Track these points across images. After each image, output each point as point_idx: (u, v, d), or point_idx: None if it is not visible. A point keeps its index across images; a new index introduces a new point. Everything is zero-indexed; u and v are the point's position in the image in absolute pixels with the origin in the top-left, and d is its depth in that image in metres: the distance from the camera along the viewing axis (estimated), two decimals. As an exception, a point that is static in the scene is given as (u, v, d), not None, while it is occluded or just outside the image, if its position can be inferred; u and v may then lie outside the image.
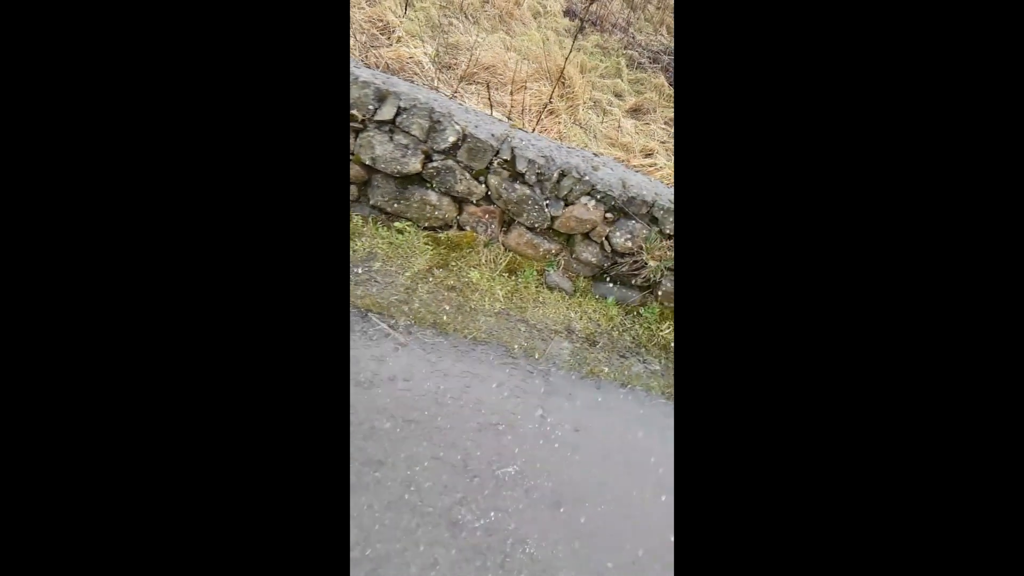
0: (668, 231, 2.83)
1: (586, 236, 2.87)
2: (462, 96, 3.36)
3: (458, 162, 2.58)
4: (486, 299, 2.72)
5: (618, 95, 4.76)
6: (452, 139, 2.50)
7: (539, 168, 2.60)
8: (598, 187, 2.67)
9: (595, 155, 2.91)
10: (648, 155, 4.02)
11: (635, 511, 2.08)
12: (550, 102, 4.50)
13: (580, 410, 2.40)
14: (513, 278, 2.87)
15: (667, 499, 2.18)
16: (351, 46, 3.37)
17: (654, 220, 2.82)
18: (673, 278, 2.97)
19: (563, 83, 4.61)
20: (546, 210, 2.72)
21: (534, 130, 3.27)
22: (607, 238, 2.86)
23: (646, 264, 2.92)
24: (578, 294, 3.01)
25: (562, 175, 2.64)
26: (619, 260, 2.93)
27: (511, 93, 4.49)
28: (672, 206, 2.78)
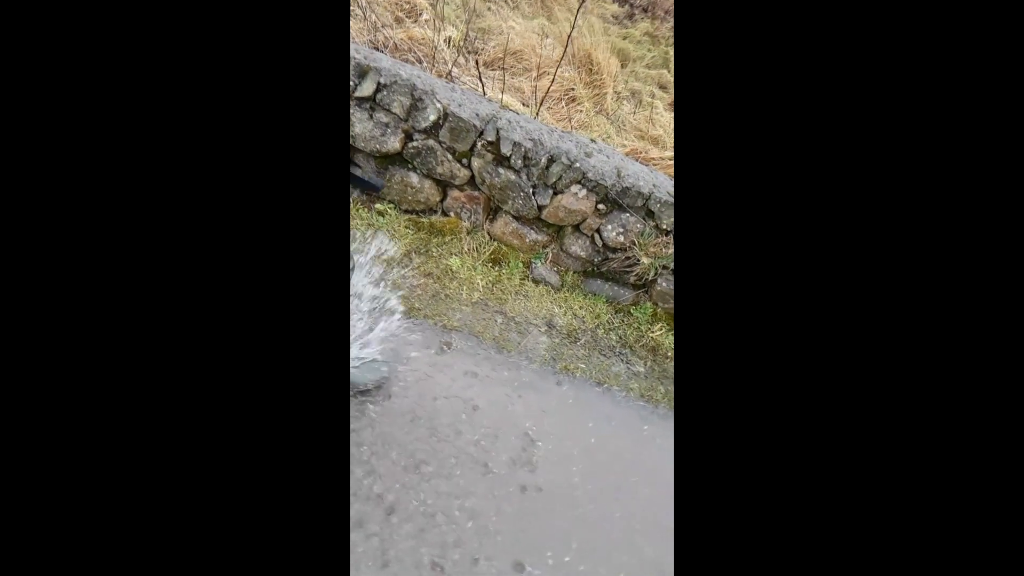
0: (665, 226, 2.64)
1: (576, 228, 2.72)
2: (486, 82, 3.26)
3: (440, 142, 2.49)
4: (464, 288, 2.62)
5: (663, 87, 4.56)
6: (433, 118, 2.41)
7: (526, 152, 2.47)
8: (589, 175, 2.52)
9: (592, 141, 2.75)
10: None
11: (580, 509, 1.94)
12: (572, 89, 4.34)
13: (546, 404, 2.27)
14: (496, 268, 2.76)
15: (621, 496, 2.03)
16: (361, 28, 3.34)
17: (650, 214, 2.63)
18: (669, 278, 2.77)
19: (590, 70, 4.45)
20: (533, 198, 2.59)
21: (535, 116, 3.13)
22: (598, 231, 2.69)
23: (639, 261, 2.74)
24: (565, 289, 2.86)
25: (551, 160, 2.50)
26: (611, 256, 2.76)
27: (536, 79, 4.37)
28: (671, 199, 2.59)
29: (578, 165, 2.49)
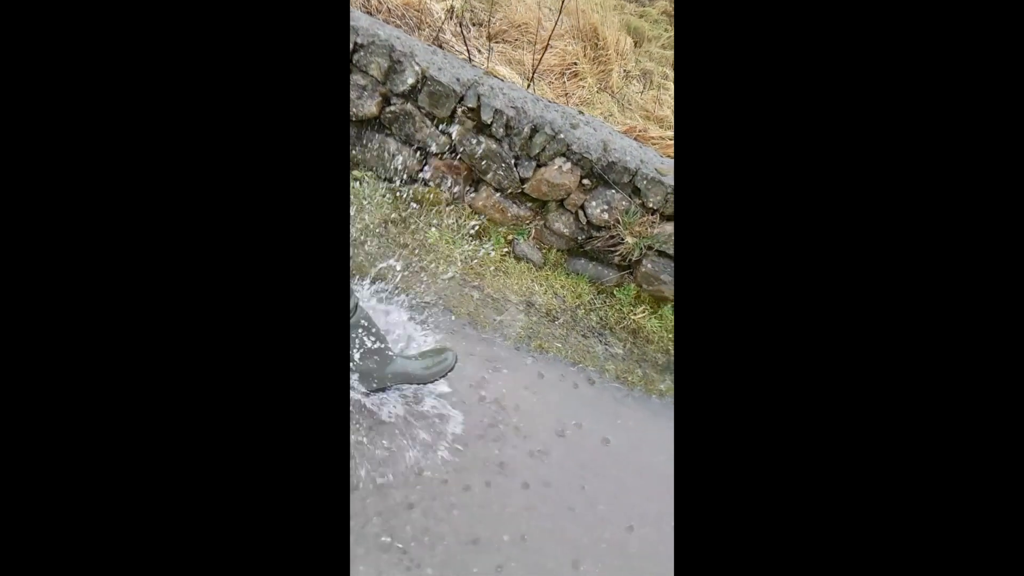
0: (651, 205, 2.54)
1: (560, 204, 2.63)
2: (485, 57, 3.14)
3: (419, 107, 2.39)
4: (441, 262, 2.55)
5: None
6: (411, 81, 2.31)
7: (508, 120, 2.37)
8: (574, 147, 2.41)
9: (579, 112, 2.64)
10: None
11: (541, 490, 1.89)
12: (575, 64, 4.23)
13: (517, 380, 2.21)
14: (477, 243, 2.68)
15: (588, 489, 1.98)
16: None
17: (636, 191, 2.53)
18: (654, 259, 2.69)
19: (596, 45, 4.34)
20: (515, 169, 2.50)
21: (527, 88, 3.01)
22: (582, 208, 2.60)
23: (623, 240, 2.65)
24: (548, 267, 2.78)
25: (534, 130, 2.40)
26: (595, 234, 2.67)
27: (540, 52, 4.26)
28: (659, 177, 2.49)
29: (562, 136, 2.39)
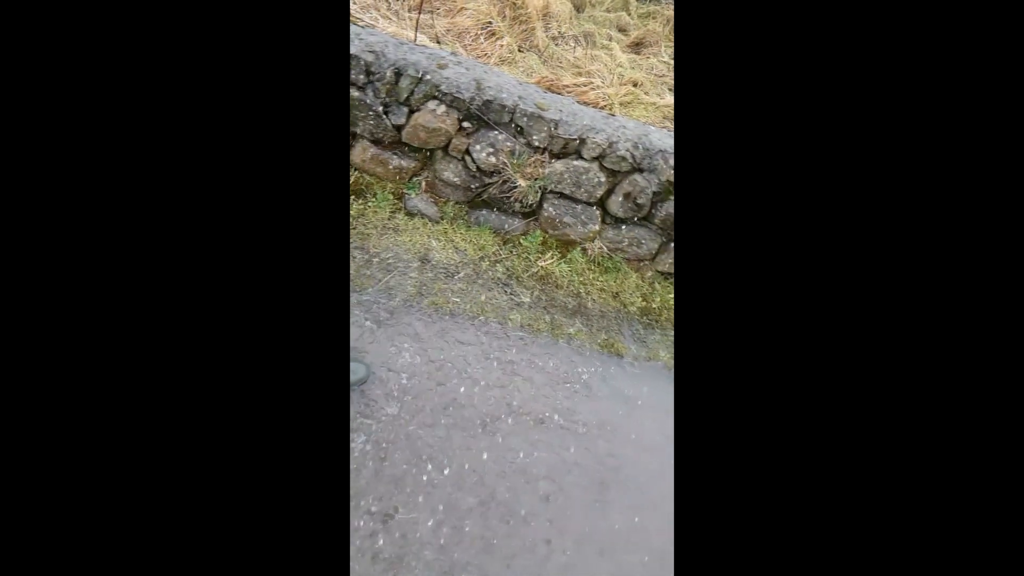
0: (537, 143, 2.40)
1: (445, 151, 2.48)
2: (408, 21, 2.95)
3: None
4: (324, 224, 2.41)
5: (622, 29, 4.46)
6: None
7: (367, 65, 2.21)
8: (443, 88, 2.26)
9: (452, 54, 2.47)
10: (634, 85, 3.74)
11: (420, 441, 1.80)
12: (490, 24, 4.11)
13: (407, 340, 2.10)
14: (361, 201, 2.53)
15: (494, 447, 1.88)
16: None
17: (520, 130, 2.39)
18: (555, 202, 2.56)
19: (515, 5, 4.22)
20: (386, 117, 2.34)
21: (438, 47, 2.83)
22: (468, 152, 2.46)
23: (517, 184, 2.51)
24: (445, 221, 2.65)
25: (398, 74, 2.24)
26: (487, 180, 2.53)
27: (452, 15, 4.14)
28: (539, 112, 2.34)
29: (429, 78, 2.24)
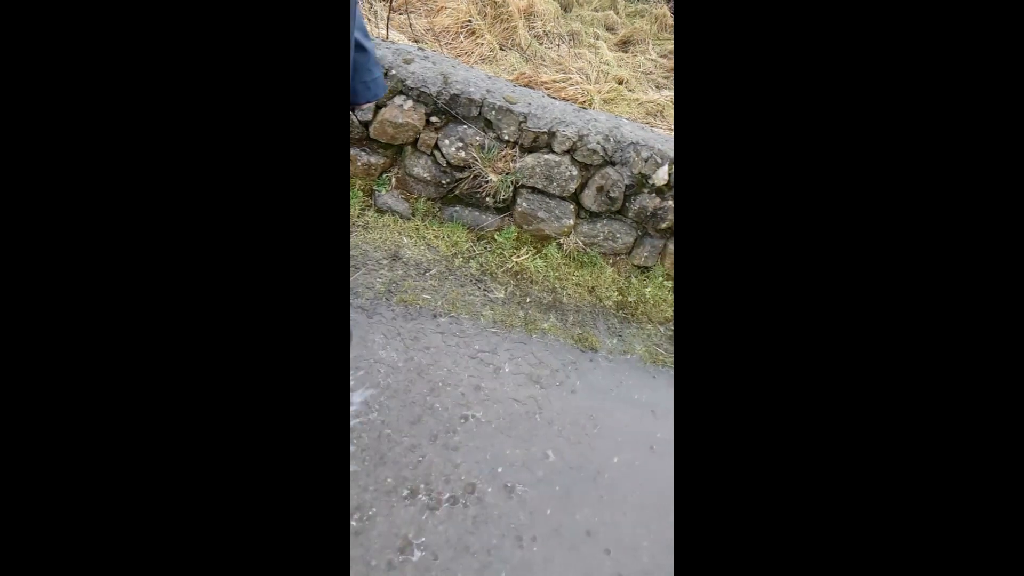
0: (507, 137, 2.38)
1: (414, 146, 2.45)
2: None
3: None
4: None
5: (610, 28, 4.48)
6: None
7: (331, 61, 2.18)
8: (409, 82, 2.23)
9: (419, 48, 2.45)
10: (619, 82, 3.75)
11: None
12: (469, 23, 4.12)
13: (377, 337, 2.06)
14: (330, 199, 2.50)
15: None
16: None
17: (488, 124, 2.36)
18: (528, 196, 2.53)
19: (495, 3, 4.24)
20: (352, 113, 2.31)
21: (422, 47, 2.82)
22: (437, 147, 2.43)
23: (488, 179, 2.49)
24: (417, 218, 2.62)
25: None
26: (458, 175, 2.50)
27: (432, 16, 4.15)
28: (507, 105, 2.32)
29: (395, 72, 2.21)
